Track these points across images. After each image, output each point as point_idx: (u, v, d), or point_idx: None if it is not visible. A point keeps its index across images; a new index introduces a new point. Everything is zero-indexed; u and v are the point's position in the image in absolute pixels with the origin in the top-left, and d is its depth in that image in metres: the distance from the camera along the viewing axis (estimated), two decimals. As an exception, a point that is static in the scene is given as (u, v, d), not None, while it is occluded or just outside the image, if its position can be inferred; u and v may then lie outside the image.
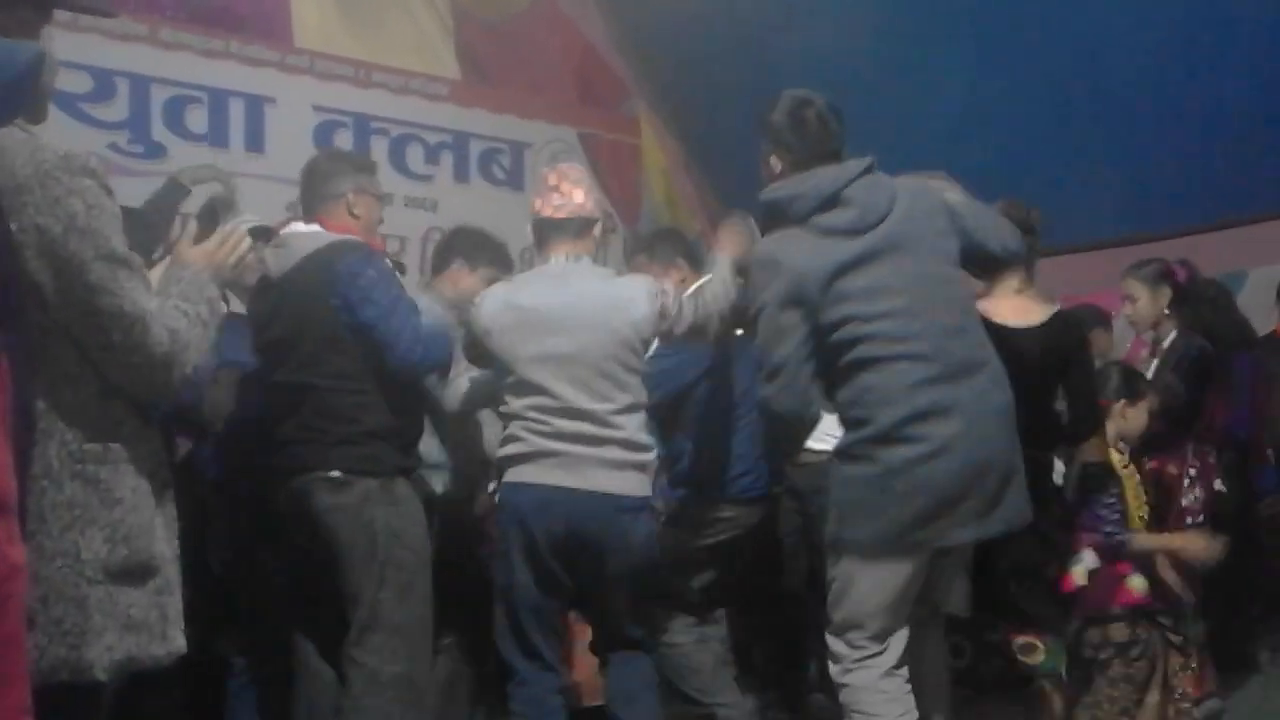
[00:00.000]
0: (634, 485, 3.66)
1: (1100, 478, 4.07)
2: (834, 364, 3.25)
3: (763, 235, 3.50)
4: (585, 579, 3.68)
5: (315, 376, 3.61)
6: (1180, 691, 4.01)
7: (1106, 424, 4.17)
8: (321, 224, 3.73)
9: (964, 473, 3.19)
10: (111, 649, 2.24)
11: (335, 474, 3.56)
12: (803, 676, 4.91)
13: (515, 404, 3.68)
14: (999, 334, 3.92)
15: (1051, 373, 4.00)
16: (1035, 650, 3.89)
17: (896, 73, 6.67)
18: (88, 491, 2.25)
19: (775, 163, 3.43)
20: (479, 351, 3.83)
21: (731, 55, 6.98)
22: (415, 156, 7.53)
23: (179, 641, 2.41)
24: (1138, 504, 4.15)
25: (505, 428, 3.76)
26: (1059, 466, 4.12)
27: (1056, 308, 4.05)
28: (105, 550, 2.26)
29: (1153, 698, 3.97)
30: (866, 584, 3.22)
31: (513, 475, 3.68)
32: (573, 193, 3.75)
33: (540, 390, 3.63)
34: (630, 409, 3.67)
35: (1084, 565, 3.99)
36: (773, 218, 3.38)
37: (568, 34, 8.32)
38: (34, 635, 2.08)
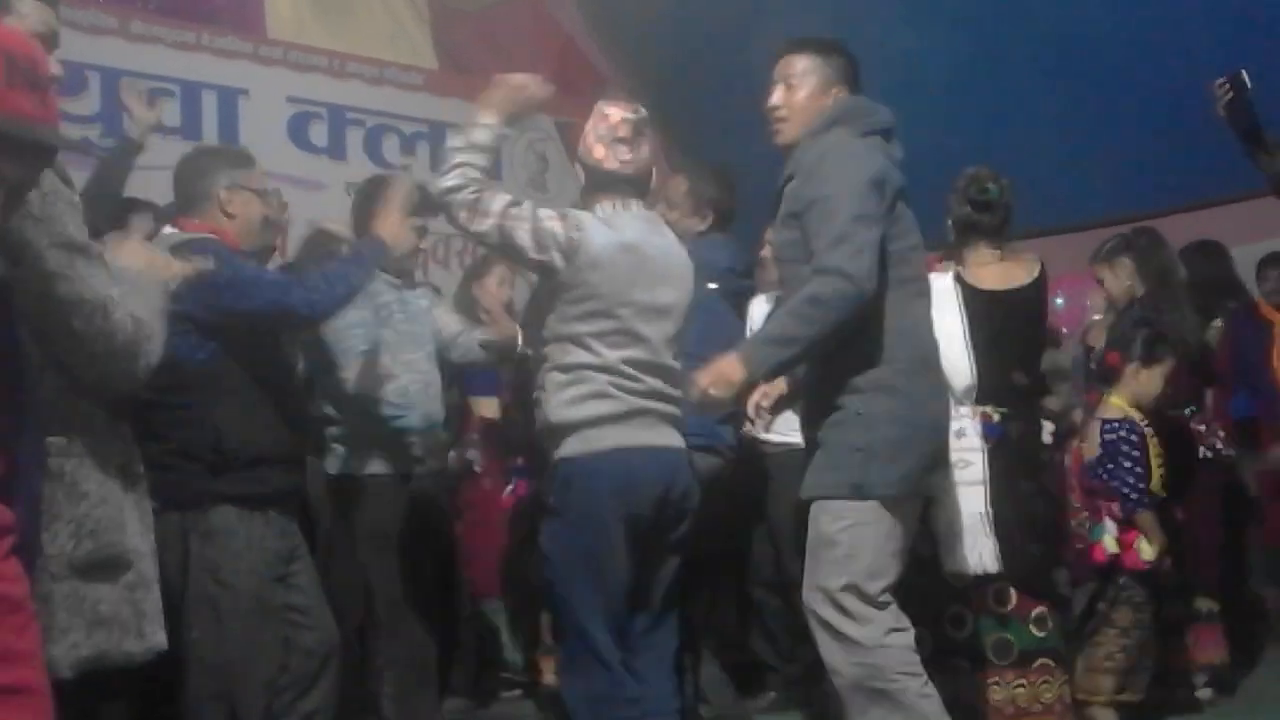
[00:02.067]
0: (684, 442, 3.36)
1: (1127, 436, 4.10)
2: (884, 282, 3.07)
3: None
4: (656, 548, 3.29)
5: (155, 391, 2.89)
6: (1181, 659, 4.02)
7: (1120, 385, 4.21)
8: (180, 226, 3.38)
9: (945, 420, 3.27)
10: (77, 646, 2.20)
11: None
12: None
13: (607, 355, 3.18)
14: (987, 299, 3.92)
15: (1031, 335, 4.04)
16: (1045, 622, 3.88)
17: (878, 59, 6.63)
18: (53, 486, 2.21)
19: (836, 92, 3.30)
20: (563, 283, 3.19)
21: (710, 44, 6.95)
22: (391, 147, 7.49)
23: (158, 637, 2.36)
24: (1158, 465, 4.16)
25: (575, 381, 3.24)
26: (1048, 426, 4.13)
27: (1039, 265, 4.06)
28: (70, 545, 2.22)
29: (1146, 661, 3.99)
30: (885, 529, 3.02)
31: (605, 437, 3.20)
32: (644, 147, 3.31)
33: (641, 342, 3.21)
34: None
35: (1110, 534, 4.02)
36: (841, 121, 3.24)
37: (545, 23, 8.29)
38: None
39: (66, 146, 2.18)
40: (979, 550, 3.80)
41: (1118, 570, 4.03)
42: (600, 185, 3.27)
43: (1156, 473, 4.12)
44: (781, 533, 4.59)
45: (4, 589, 1.69)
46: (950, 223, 4.11)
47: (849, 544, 3.03)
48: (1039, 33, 6.33)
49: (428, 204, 3.64)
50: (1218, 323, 5.25)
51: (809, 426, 3.23)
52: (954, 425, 3.96)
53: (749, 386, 3.15)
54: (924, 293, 3.24)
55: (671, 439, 3.24)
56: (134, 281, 2.37)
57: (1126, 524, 4.05)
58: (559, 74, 8.29)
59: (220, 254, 3.18)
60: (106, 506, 2.29)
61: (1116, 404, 4.19)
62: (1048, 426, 4.12)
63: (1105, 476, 4.09)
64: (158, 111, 4.60)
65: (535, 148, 7.95)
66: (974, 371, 3.95)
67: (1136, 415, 4.16)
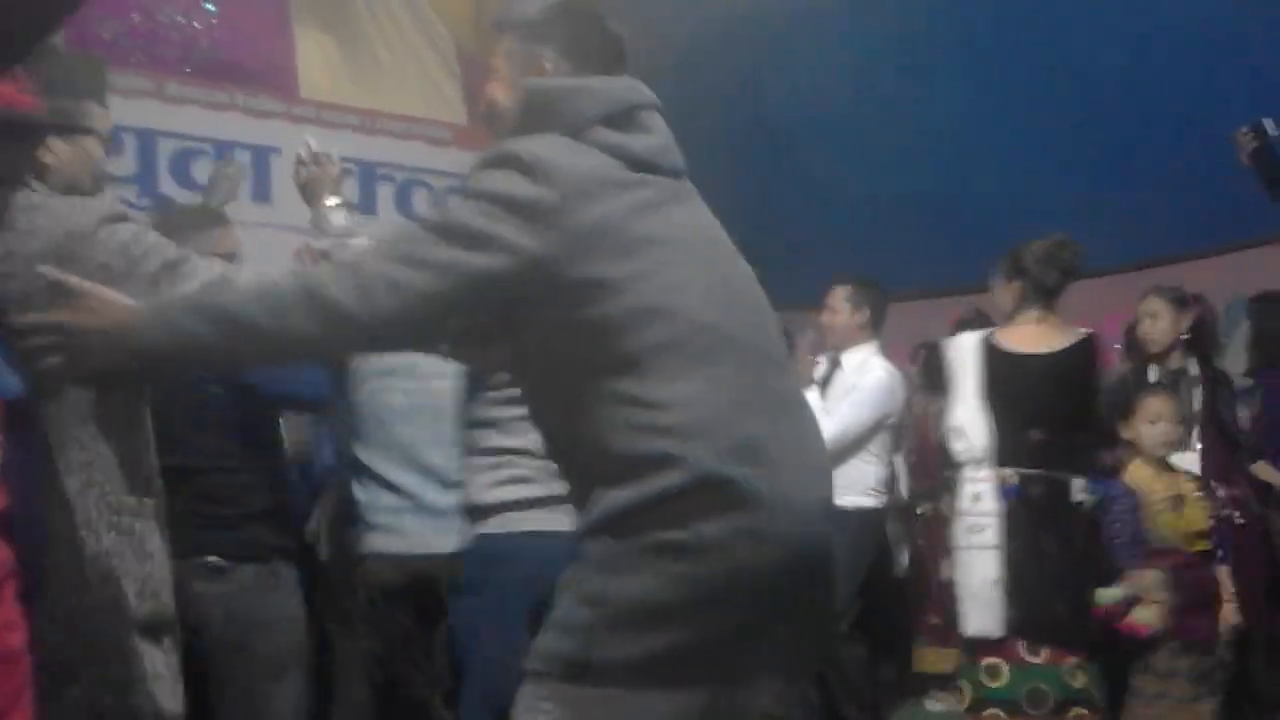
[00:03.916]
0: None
1: (1112, 494, 4.11)
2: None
3: None
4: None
5: (182, 458, 3.03)
6: None
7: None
8: None
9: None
10: (152, 696, 2.23)
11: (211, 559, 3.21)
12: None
13: (520, 441, 3.19)
14: (1014, 360, 3.97)
15: (1067, 397, 4.06)
16: (1080, 673, 3.88)
17: (893, 108, 6.71)
18: (123, 543, 2.22)
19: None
20: None
21: (727, 94, 7.03)
22: (421, 201, 7.58)
23: (180, 701, 2.37)
24: (1171, 520, 4.15)
25: (498, 464, 3.26)
26: (1078, 483, 4.14)
27: (1086, 334, 4.10)
28: (136, 603, 2.24)
29: None
30: None
31: (520, 522, 3.20)
32: None
33: None
34: None
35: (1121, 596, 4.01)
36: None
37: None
38: (79, 687, 2.08)
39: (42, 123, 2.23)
40: (987, 614, 3.85)
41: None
42: None
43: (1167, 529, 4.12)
44: None
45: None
46: (1020, 285, 4.15)
47: None
48: (1054, 77, 6.37)
49: None
50: None
51: None
52: (972, 489, 4.03)
53: None
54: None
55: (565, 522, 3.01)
56: None
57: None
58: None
59: None
60: (163, 568, 2.32)
61: (1136, 468, 4.25)
62: (1077, 483, 4.10)
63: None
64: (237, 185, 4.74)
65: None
66: (991, 435, 4.00)
67: (1140, 471, 4.19)
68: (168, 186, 6.62)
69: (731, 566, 1.82)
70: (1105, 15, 6.14)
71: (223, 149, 6.82)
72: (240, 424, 3.22)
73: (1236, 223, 5.57)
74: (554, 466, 3.06)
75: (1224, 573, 4.23)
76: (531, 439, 3.01)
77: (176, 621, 2.38)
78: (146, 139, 6.55)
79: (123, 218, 2.22)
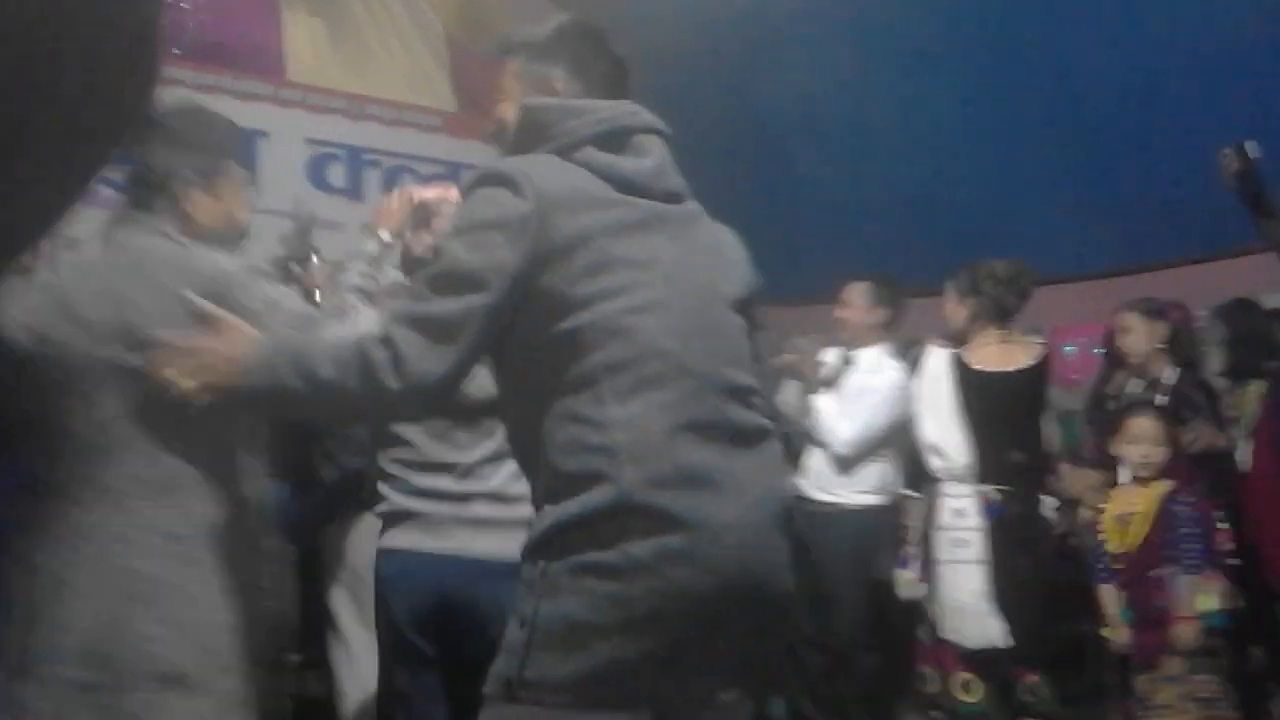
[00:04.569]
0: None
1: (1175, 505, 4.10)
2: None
3: None
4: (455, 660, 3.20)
5: None
6: None
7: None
8: None
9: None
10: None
11: None
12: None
13: (380, 458, 3.29)
14: (983, 379, 4.02)
15: (1032, 415, 4.12)
16: (1039, 690, 3.96)
17: (883, 111, 6.72)
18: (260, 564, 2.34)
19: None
20: None
21: (718, 93, 7.02)
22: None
23: None
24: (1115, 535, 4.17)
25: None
26: (1050, 501, 4.16)
27: (1043, 349, 4.17)
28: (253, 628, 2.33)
29: None
30: None
31: (385, 538, 3.22)
32: None
33: (403, 443, 3.18)
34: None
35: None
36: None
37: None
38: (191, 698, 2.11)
39: None
40: (985, 627, 3.90)
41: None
42: None
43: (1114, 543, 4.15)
44: (829, 589, 4.66)
45: None
46: (976, 302, 4.17)
47: None
48: (1043, 81, 6.38)
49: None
50: (1256, 384, 5.21)
51: None
52: (954, 504, 4.08)
53: None
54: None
55: (463, 544, 3.00)
56: None
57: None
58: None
59: None
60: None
61: (1118, 491, 4.27)
62: (1049, 501, 4.17)
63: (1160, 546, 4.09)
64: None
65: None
66: (969, 451, 4.04)
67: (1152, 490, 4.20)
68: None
69: (660, 588, 1.84)
70: (1095, 23, 6.15)
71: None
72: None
73: (1224, 230, 5.58)
74: (403, 484, 3.08)
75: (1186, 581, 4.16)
76: (381, 457, 3.15)
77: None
78: (132, 119, 6.51)
79: (262, 273, 2.37)
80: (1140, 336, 4.86)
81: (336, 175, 7.27)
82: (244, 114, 6.92)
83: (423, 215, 3.11)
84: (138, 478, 2.11)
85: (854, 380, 4.97)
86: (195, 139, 2.37)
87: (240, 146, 2.54)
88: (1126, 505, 4.18)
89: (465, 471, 3.04)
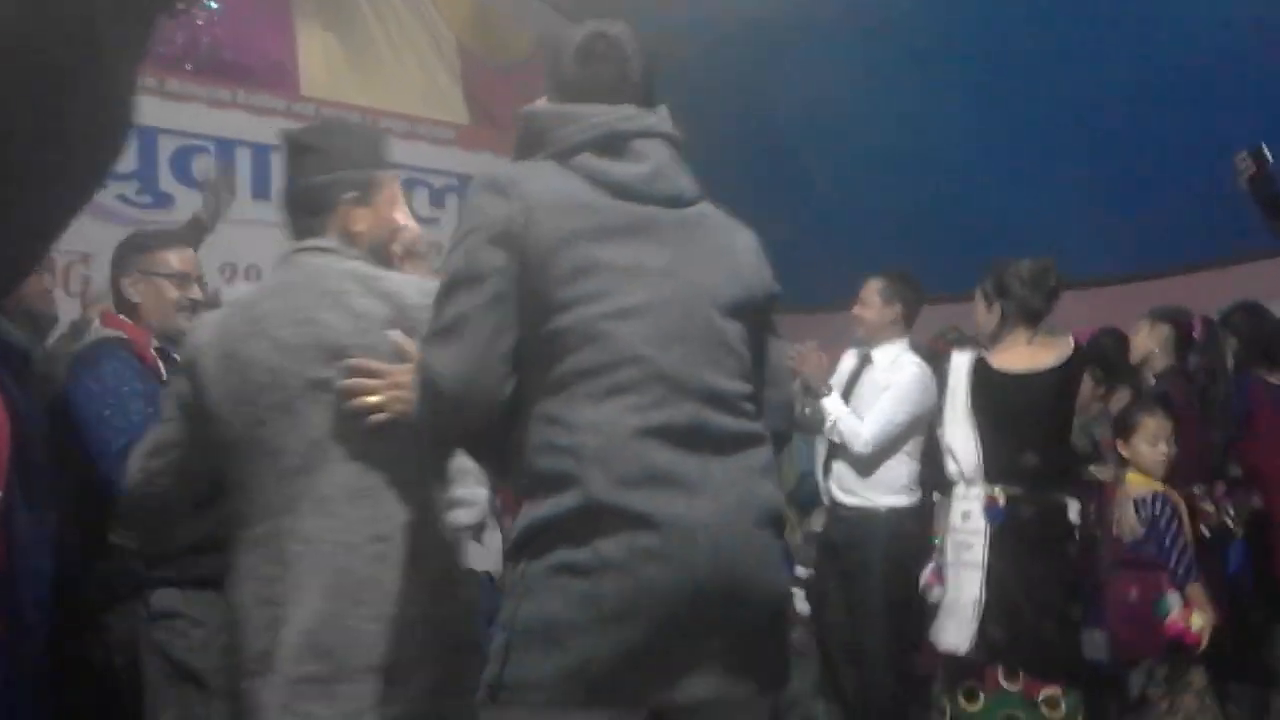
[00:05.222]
0: None
1: (1166, 511, 4.10)
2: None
3: None
4: None
5: None
6: None
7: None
8: (102, 319, 3.37)
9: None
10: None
11: None
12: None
13: None
14: (1006, 381, 3.97)
15: (1059, 415, 4.06)
16: (1058, 704, 3.86)
17: (893, 119, 6.72)
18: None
19: None
20: None
21: (730, 103, 7.03)
22: (421, 199, 7.58)
23: None
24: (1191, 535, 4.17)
25: None
26: (1073, 505, 4.12)
27: (1070, 347, 4.10)
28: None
29: None
30: None
31: None
32: None
33: None
34: None
35: (1177, 607, 4.00)
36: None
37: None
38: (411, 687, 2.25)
39: None
40: (962, 632, 3.85)
41: (1185, 649, 3.97)
42: None
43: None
44: (860, 598, 4.63)
45: None
46: (1003, 305, 4.15)
47: None
48: (1057, 90, 6.37)
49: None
50: None
51: None
52: (962, 506, 4.03)
53: None
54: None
55: None
56: None
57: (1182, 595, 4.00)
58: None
59: (105, 367, 3.12)
60: None
61: (1141, 479, 4.23)
62: (1074, 505, 4.09)
63: (1156, 553, 4.07)
64: (232, 197, 4.75)
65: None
66: (979, 453, 4.00)
67: (1160, 488, 4.17)
68: (168, 184, 6.62)
69: (632, 586, 1.88)
70: (1109, 28, 6.14)
71: (224, 146, 6.82)
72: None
73: (1238, 236, 5.57)
74: None
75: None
76: None
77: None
78: (147, 136, 6.54)
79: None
80: (1141, 338, 4.88)
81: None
82: (257, 129, 6.99)
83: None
84: (346, 486, 2.26)
85: (871, 377, 4.94)
86: (347, 157, 2.46)
87: (386, 152, 2.60)
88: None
89: None
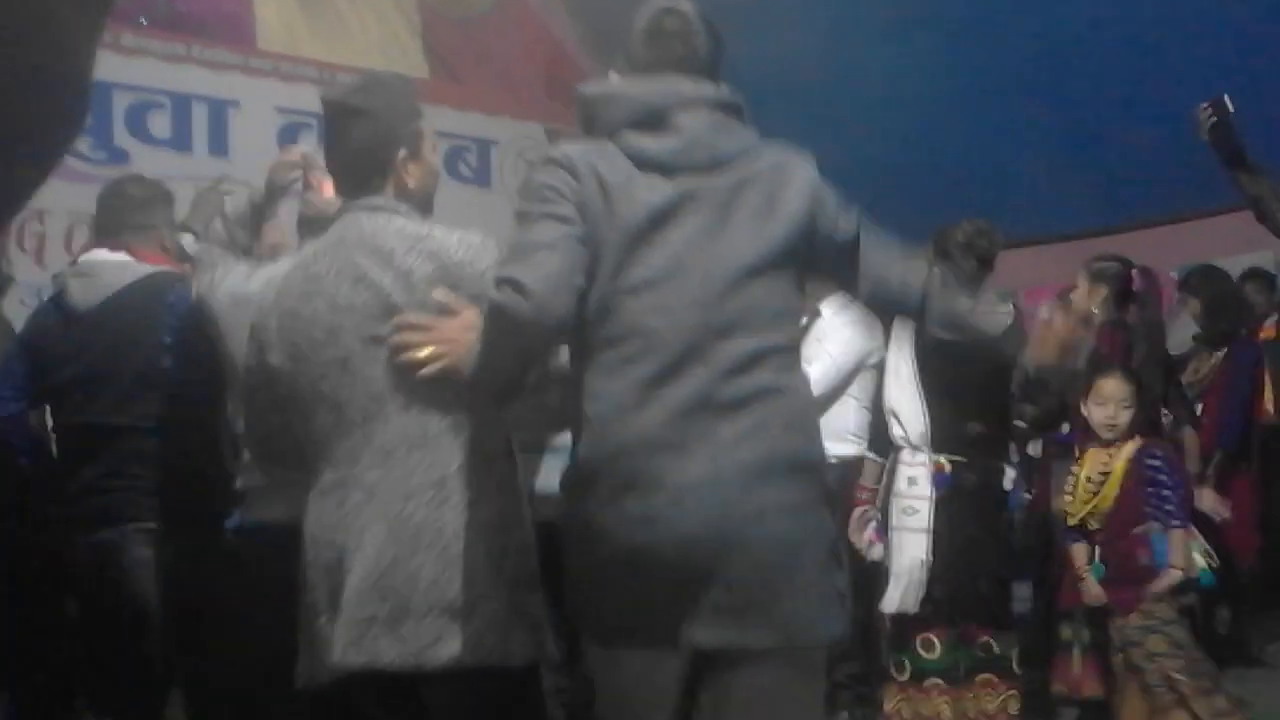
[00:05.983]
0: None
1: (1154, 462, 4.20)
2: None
3: None
4: None
5: (131, 418, 3.34)
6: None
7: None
8: (133, 254, 3.46)
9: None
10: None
11: (151, 525, 3.31)
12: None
13: None
14: (946, 348, 4.00)
15: (999, 383, 4.13)
16: (991, 647, 4.04)
17: (861, 71, 6.70)
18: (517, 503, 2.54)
19: None
20: None
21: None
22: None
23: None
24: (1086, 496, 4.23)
25: None
26: (1010, 472, 4.21)
27: (1010, 315, 4.13)
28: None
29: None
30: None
31: None
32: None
33: None
34: None
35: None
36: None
37: (536, 30, 8.31)
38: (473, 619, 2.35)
39: None
40: (911, 594, 3.95)
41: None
42: None
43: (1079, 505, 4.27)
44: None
45: None
46: (945, 267, 4.15)
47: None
48: (1024, 45, 6.38)
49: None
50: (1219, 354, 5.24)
51: None
52: (908, 472, 4.09)
53: None
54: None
55: None
56: None
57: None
58: (549, 81, 8.34)
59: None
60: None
61: (1092, 455, 4.34)
62: (1009, 473, 4.23)
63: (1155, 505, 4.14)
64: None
65: (525, 155, 7.97)
66: (926, 418, 4.04)
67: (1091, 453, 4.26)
68: (123, 139, 6.51)
69: (623, 549, 2.10)
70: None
71: (179, 101, 6.72)
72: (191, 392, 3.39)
73: (1199, 191, 5.60)
74: None
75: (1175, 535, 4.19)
76: None
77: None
78: (102, 91, 6.40)
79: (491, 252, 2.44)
80: (1080, 296, 4.89)
81: (309, 144, 7.18)
82: (214, 84, 6.89)
83: (311, 173, 3.24)
84: (404, 435, 2.36)
85: (818, 326, 4.91)
86: (393, 113, 2.52)
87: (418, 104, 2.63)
88: (1098, 466, 4.20)
89: None
